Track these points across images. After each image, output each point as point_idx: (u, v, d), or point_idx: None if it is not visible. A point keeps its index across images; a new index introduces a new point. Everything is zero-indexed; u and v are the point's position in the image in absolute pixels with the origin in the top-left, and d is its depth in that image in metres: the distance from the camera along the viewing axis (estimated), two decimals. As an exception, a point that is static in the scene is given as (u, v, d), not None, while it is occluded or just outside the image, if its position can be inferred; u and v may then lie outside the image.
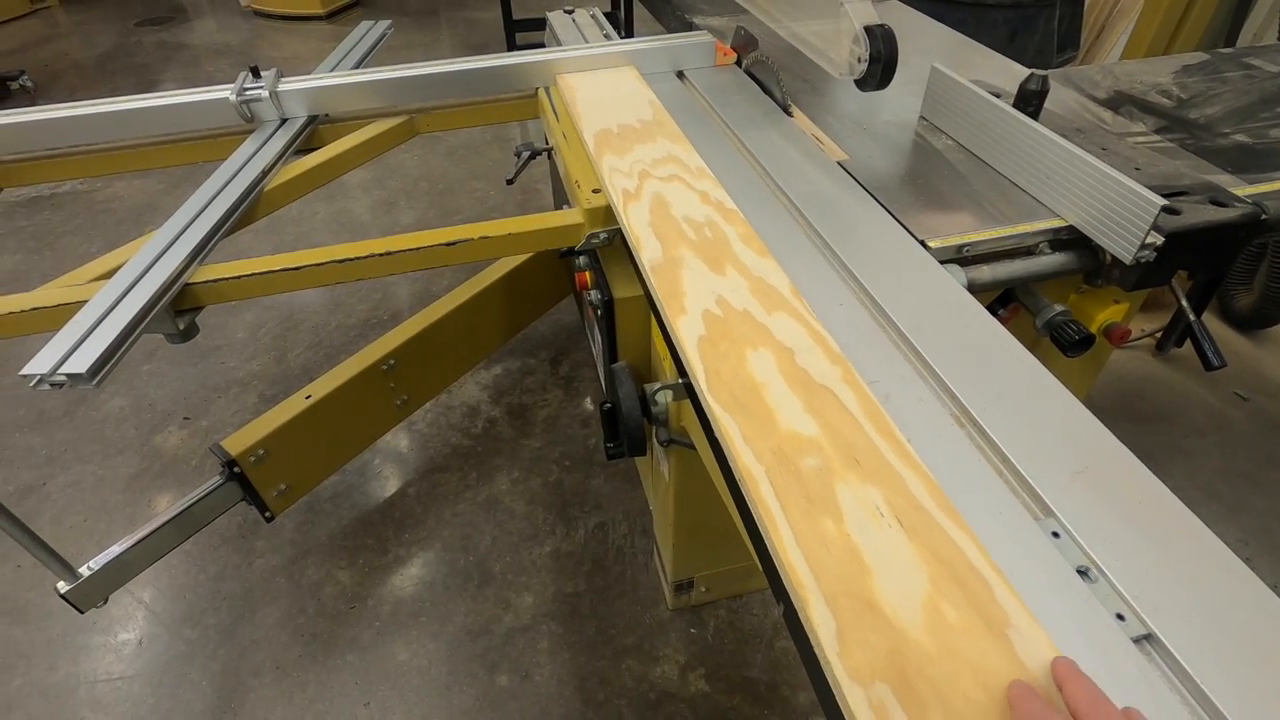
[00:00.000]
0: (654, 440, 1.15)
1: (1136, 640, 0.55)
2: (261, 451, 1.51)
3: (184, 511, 1.45)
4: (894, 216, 1.01)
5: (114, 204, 3.07)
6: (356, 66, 1.62)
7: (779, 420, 0.69)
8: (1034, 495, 0.64)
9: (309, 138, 1.37)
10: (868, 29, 0.99)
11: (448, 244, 1.05)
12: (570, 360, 2.26)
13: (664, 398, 1.07)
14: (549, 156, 1.33)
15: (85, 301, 0.93)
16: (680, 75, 1.49)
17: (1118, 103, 1.32)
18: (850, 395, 0.72)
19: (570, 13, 1.98)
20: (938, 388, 0.76)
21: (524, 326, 2.15)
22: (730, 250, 0.93)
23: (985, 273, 0.97)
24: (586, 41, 1.71)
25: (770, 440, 0.67)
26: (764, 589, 1.63)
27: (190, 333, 1.02)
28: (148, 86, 4.22)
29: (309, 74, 1.39)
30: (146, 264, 0.98)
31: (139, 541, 1.38)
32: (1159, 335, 2.22)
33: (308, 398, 1.60)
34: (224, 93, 1.29)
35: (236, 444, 1.50)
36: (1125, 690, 0.51)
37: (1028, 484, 0.65)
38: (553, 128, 1.32)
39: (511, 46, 4.10)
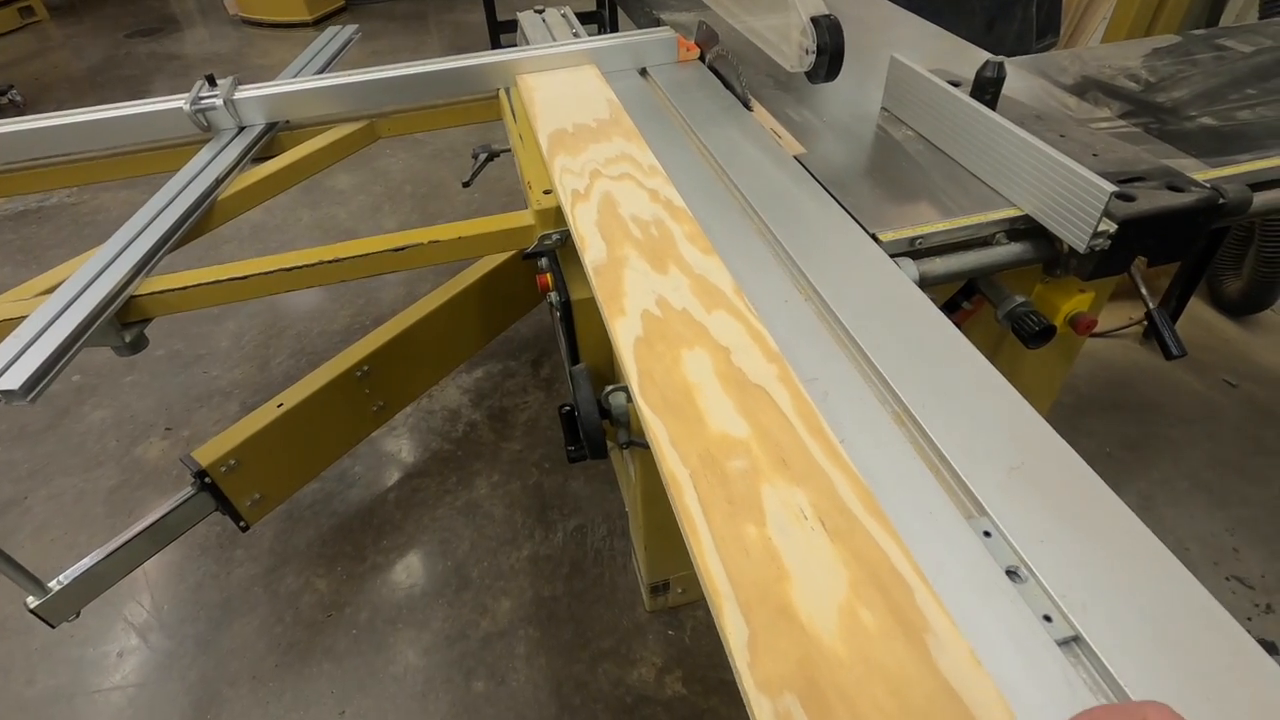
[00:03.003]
0: (617, 442, 1.14)
1: (1062, 642, 0.53)
2: (233, 461, 1.50)
3: (156, 523, 1.44)
4: (847, 210, 0.99)
5: (100, 216, 3.08)
6: (321, 72, 1.62)
7: (709, 422, 0.68)
8: (968, 493, 0.63)
9: (268, 145, 1.36)
10: (814, 19, 0.97)
11: (395, 249, 1.04)
12: (552, 362, 2.25)
13: (619, 399, 1.06)
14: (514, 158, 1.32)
15: (25, 317, 0.92)
16: (643, 73, 1.47)
17: (1084, 88, 1.30)
18: (784, 394, 0.70)
19: (540, 12, 1.96)
20: (880, 385, 0.74)
21: (503, 329, 2.14)
22: (675, 249, 0.91)
23: (938, 265, 0.95)
24: (553, 37, 1.70)
25: (698, 443, 0.66)
26: (743, 589, 1.61)
27: (138, 344, 1.01)
28: (138, 97, 4.21)
29: (267, 82, 1.38)
30: (90, 277, 0.97)
31: (111, 554, 1.38)
32: (1145, 323, 2.19)
33: (280, 406, 1.59)
34: (178, 102, 1.28)
35: (207, 454, 1.49)
36: (1048, 694, 0.50)
37: (962, 482, 0.64)
38: (511, 129, 1.30)
39: (495, 48, 4.09)
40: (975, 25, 2.19)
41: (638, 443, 1.14)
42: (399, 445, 2.02)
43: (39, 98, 4.27)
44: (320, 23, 5.20)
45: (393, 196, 3.15)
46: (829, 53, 0.97)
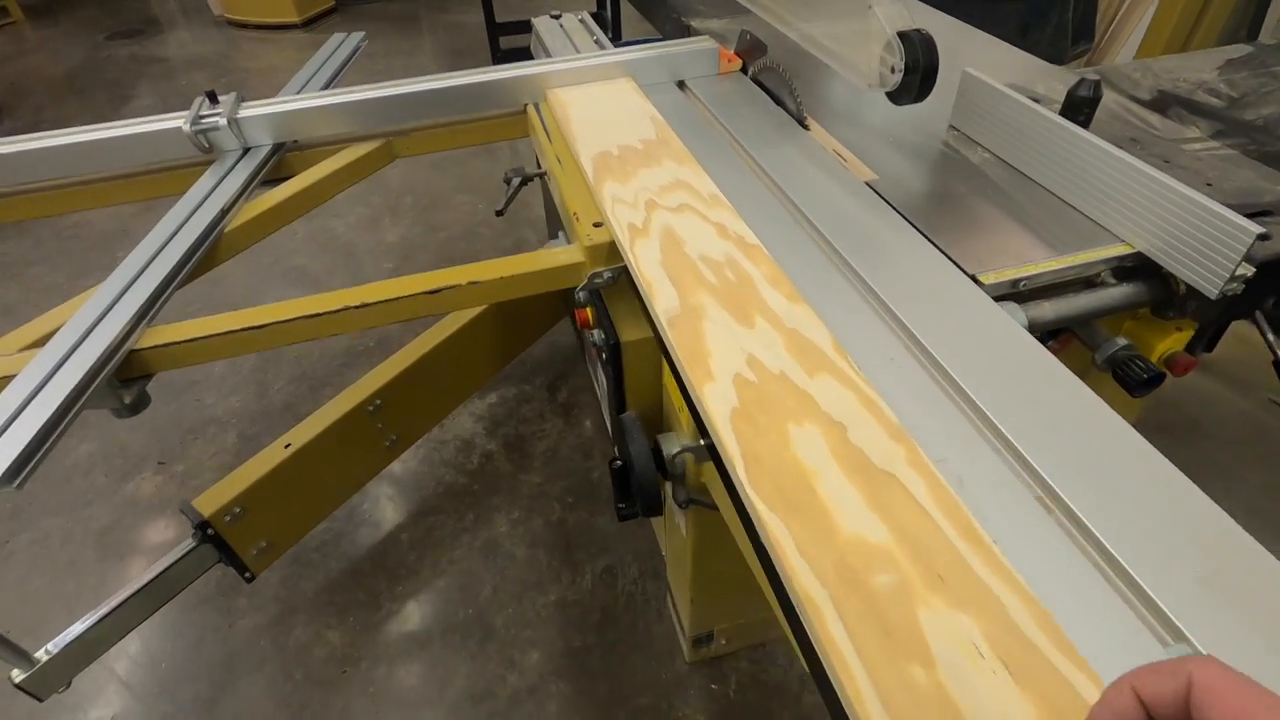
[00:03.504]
0: (671, 498, 1.04)
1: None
2: (238, 509, 1.38)
3: (154, 580, 1.32)
4: (937, 247, 0.89)
5: (82, 230, 2.93)
6: (329, 83, 1.50)
7: (839, 522, 0.57)
8: (1157, 612, 0.52)
9: (276, 167, 1.24)
10: (902, 35, 0.87)
11: (431, 291, 0.93)
12: (569, 385, 2.14)
13: (683, 461, 0.96)
14: (542, 180, 1.21)
15: (10, 377, 0.80)
16: (681, 85, 1.36)
17: (1164, 104, 1.21)
18: (919, 483, 0.60)
19: (557, 18, 1.85)
20: (1015, 462, 0.64)
21: (520, 353, 2.03)
22: (757, 295, 0.80)
23: (1047, 310, 0.85)
24: (576, 49, 1.59)
25: (831, 551, 0.55)
26: (787, 638, 1.51)
27: (139, 405, 0.89)
28: (121, 102, 4.06)
29: (274, 97, 1.25)
30: (83, 330, 0.85)
31: (104, 617, 1.25)
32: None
33: (287, 446, 1.47)
34: (177, 121, 1.15)
35: (210, 503, 1.37)
36: None
37: (1146, 595, 0.53)
38: (545, 150, 1.19)
39: (495, 51, 3.96)
40: (1009, 30, 2.10)
41: (700, 502, 1.03)
42: (411, 479, 1.90)
43: (16, 103, 4.08)
44: (309, 24, 5.05)
45: (393, 208, 3.02)
46: (920, 71, 0.86)
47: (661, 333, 0.78)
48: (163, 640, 1.58)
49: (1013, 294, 0.86)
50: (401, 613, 1.60)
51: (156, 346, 0.86)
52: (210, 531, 1.36)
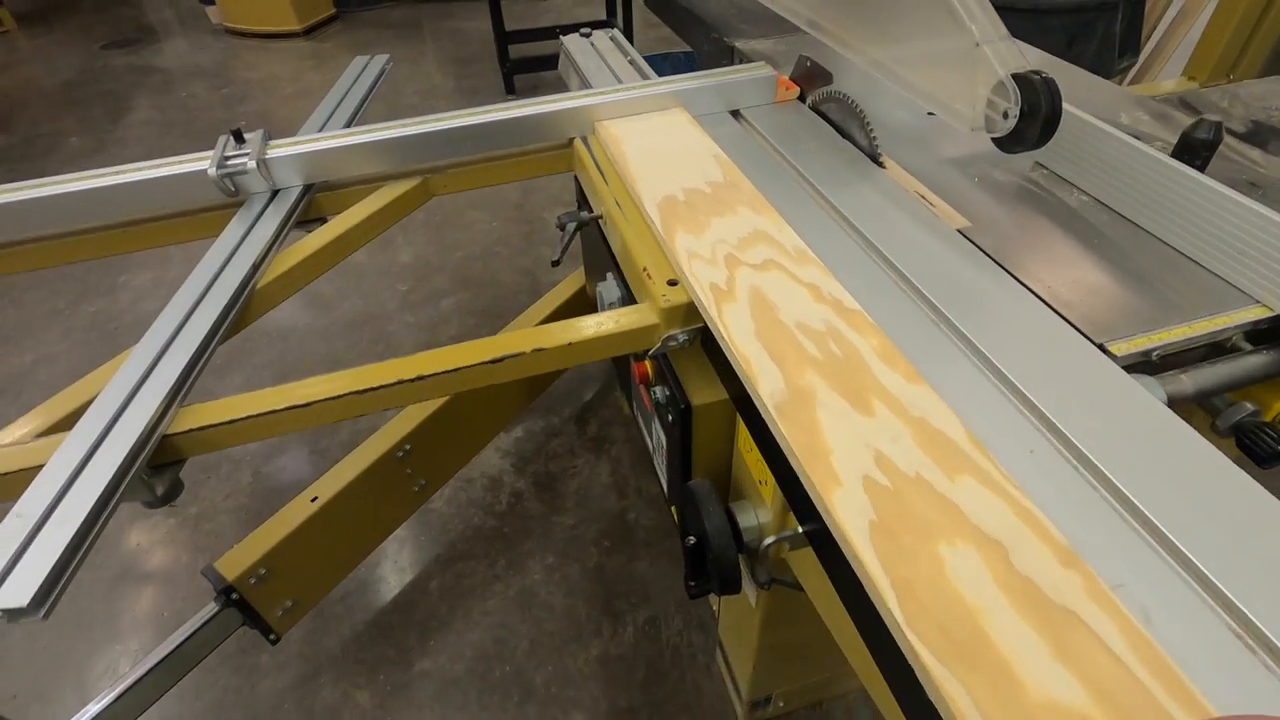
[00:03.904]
0: (749, 577, 0.95)
1: None
2: (263, 571, 1.30)
3: (175, 651, 1.24)
4: (1053, 309, 0.81)
5: (84, 252, 2.82)
6: (356, 114, 1.40)
7: (1022, 678, 0.49)
8: None
9: (306, 209, 1.15)
10: (1019, 78, 0.78)
11: (492, 361, 0.84)
12: (598, 417, 2.05)
13: (749, 521, 0.89)
14: (597, 225, 1.12)
15: (35, 470, 0.71)
16: (736, 114, 1.28)
17: (1262, 137, 1.13)
18: (1106, 622, 0.51)
19: (587, 35, 1.76)
20: (1199, 586, 0.55)
21: (550, 384, 1.95)
22: (870, 373, 0.72)
23: (1187, 384, 0.77)
24: (613, 72, 1.50)
25: (1019, 718, 0.47)
26: (845, 694, 1.43)
27: (173, 494, 0.80)
28: (119, 115, 3.96)
29: (302, 135, 1.16)
30: (113, 411, 0.76)
31: (120, 696, 1.17)
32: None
33: (314, 500, 1.38)
34: (201, 164, 1.06)
35: (233, 565, 1.28)
36: None
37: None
38: (599, 190, 1.10)
39: (504, 60, 3.87)
40: (1055, 42, 2.02)
41: (784, 583, 0.95)
42: (438, 522, 1.81)
43: (11, 115, 3.97)
44: (310, 32, 4.94)
45: (403, 225, 2.91)
46: (1040, 119, 0.78)
47: (769, 422, 0.69)
48: (180, 705, 1.48)
49: (1145, 364, 0.77)
50: (434, 670, 1.51)
51: (192, 431, 0.77)
52: (235, 596, 1.28)
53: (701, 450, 1.01)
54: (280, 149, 1.11)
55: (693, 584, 0.97)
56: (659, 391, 1.02)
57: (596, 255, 1.43)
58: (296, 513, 1.35)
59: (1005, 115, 0.80)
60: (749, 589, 1.05)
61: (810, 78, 1.27)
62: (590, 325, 0.87)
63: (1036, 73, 0.78)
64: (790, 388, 0.71)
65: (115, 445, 0.73)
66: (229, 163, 1.07)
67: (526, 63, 3.91)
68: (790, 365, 0.73)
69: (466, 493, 1.87)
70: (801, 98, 1.30)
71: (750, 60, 1.46)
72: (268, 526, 1.32)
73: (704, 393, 0.95)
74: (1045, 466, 0.64)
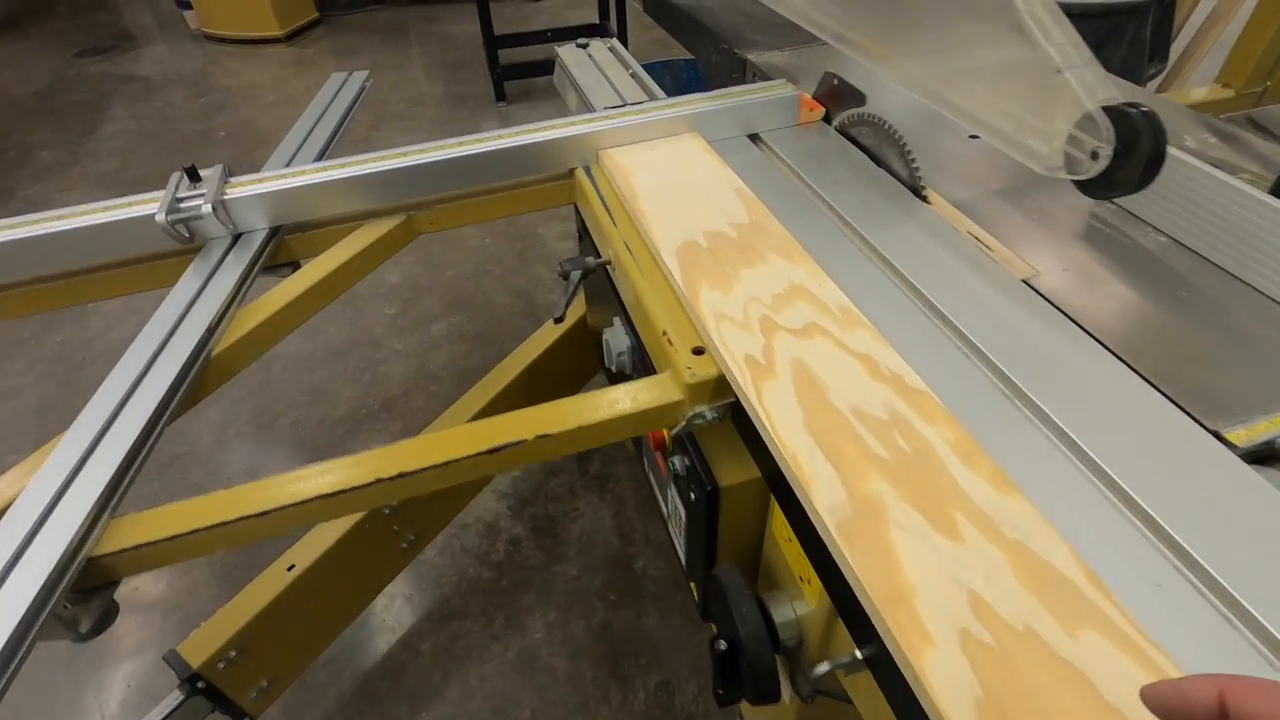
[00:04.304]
0: (795, 690, 0.82)
1: None
2: (233, 653, 1.16)
3: (134, 750, 1.10)
4: (1151, 384, 0.68)
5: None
6: (332, 139, 1.27)
7: None
8: None
9: (274, 253, 1.02)
10: (1113, 111, 0.66)
11: (491, 451, 0.71)
12: (600, 453, 1.92)
13: (785, 616, 0.77)
14: (605, 269, 0.99)
15: (-79, 616, 0.57)
16: (754, 138, 1.15)
17: (1349, 162, 1.01)
18: None
19: (584, 46, 1.63)
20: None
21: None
22: (948, 477, 0.59)
23: (1321, 480, 0.64)
24: (615, 87, 1.37)
25: None
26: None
27: (105, 622, 0.67)
28: (93, 126, 3.80)
29: (268, 170, 1.03)
30: (26, 530, 0.62)
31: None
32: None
33: (290, 568, 1.25)
34: (150, 207, 0.93)
35: (199, 648, 1.15)
36: None
37: None
38: (604, 230, 0.97)
39: (494, 67, 3.73)
40: (1081, 51, 1.90)
41: (831, 694, 0.82)
42: (429, 574, 1.67)
43: (-22, 128, 3.81)
44: (292, 38, 4.78)
45: (391, 243, 2.78)
46: (1141, 160, 0.65)
47: (831, 546, 0.56)
48: (148, 791, 1.34)
49: (1271, 455, 0.65)
50: (428, 748, 1.38)
51: (125, 551, 0.64)
52: (201, 684, 1.14)
53: (728, 533, 0.88)
54: (241, 188, 0.97)
55: (721, 692, 0.84)
56: (678, 462, 0.90)
57: (601, 292, 1.30)
58: (271, 584, 1.21)
59: (1094, 156, 0.68)
60: (786, 696, 0.93)
61: (838, 97, 1.14)
62: (604, 405, 0.74)
63: (1133, 105, 0.66)
64: (854, 499, 0.58)
65: (28, 572, 0.59)
66: (181, 206, 0.93)
67: (518, 68, 3.77)
68: (850, 467, 0.60)
69: (460, 540, 1.73)
70: (827, 118, 1.17)
71: (765, 75, 1.34)
72: (238, 602, 1.19)
73: (733, 471, 0.82)
74: (1177, 606, 0.52)
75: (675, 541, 1.08)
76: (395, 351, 2.28)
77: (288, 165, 1.10)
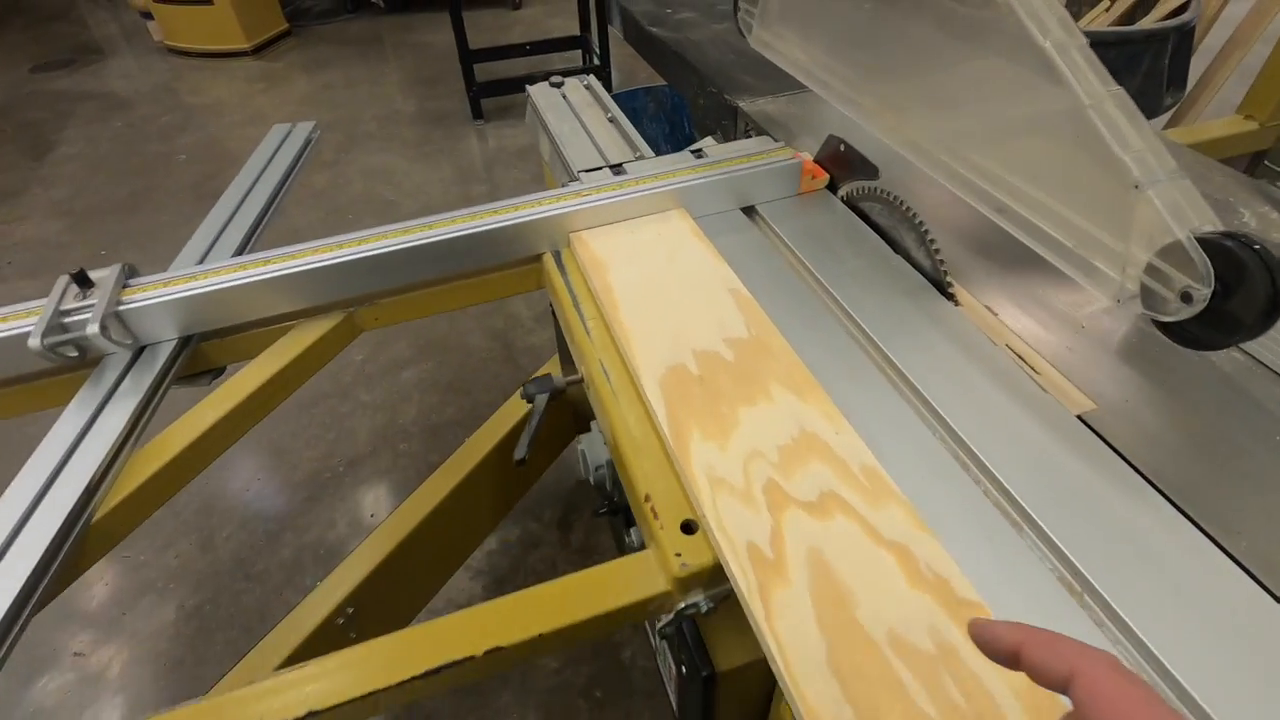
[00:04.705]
0: None
1: None
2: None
3: None
4: (1254, 578, 0.54)
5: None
6: (268, 207, 1.11)
7: None
8: None
9: (188, 362, 0.86)
10: (1209, 243, 0.51)
11: (426, 674, 0.56)
12: (584, 522, 1.77)
13: None
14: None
15: None
16: (749, 211, 1.00)
17: None
18: None
19: (559, 85, 1.49)
20: None
21: (525, 491, 1.66)
22: (1020, 752, 0.45)
23: None
24: (590, 135, 1.22)
25: None
26: None
27: None
28: (46, 149, 3.60)
29: (175, 268, 0.87)
30: None
31: None
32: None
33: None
34: (24, 325, 0.77)
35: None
36: None
37: None
38: (578, 343, 0.82)
39: (469, 81, 3.56)
40: (1095, 82, 1.77)
41: None
42: (395, 668, 1.52)
43: (-81, 153, 3.60)
44: (260, 50, 4.58)
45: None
46: (1256, 304, 0.51)
47: None
48: None
49: None
50: None
51: None
52: None
53: (727, 715, 0.73)
54: (145, 293, 0.82)
55: None
56: (670, 629, 0.75)
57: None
58: None
59: (1186, 297, 0.54)
60: None
61: (843, 163, 1.00)
62: (579, 603, 0.59)
63: (1236, 236, 0.51)
64: (900, 794, 0.43)
65: None
66: (66, 321, 0.77)
67: (495, 85, 3.60)
68: (892, 736, 0.46)
69: (430, 628, 1.58)
70: (830, 185, 1.03)
71: (758, 125, 1.19)
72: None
73: (733, 653, 0.68)
74: None
75: (668, 689, 0.93)
76: (362, 404, 2.12)
77: (201, 261, 0.94)
